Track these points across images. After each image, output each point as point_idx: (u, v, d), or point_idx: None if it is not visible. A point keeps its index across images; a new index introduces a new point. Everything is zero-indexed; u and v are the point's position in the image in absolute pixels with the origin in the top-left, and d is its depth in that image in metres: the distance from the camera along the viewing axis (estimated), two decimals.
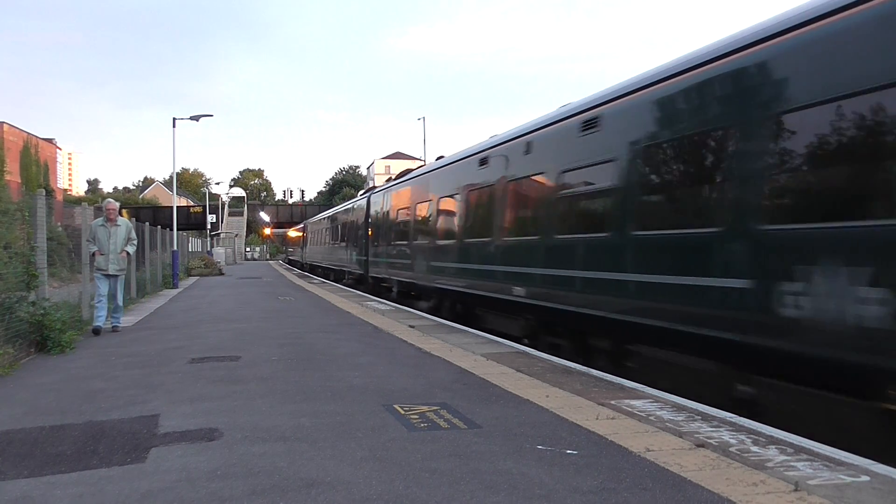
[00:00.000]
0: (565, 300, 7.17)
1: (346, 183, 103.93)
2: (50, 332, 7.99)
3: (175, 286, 21.42)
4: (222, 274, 30.76)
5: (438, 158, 13.89)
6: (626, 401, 5.21)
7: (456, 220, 10.90)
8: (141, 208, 61.19)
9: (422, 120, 45.22)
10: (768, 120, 4.64)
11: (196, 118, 24.24)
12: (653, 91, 5.96)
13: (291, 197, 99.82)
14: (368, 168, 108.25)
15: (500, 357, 7.32)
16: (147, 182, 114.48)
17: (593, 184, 6.88)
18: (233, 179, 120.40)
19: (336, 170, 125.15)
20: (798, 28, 4.52)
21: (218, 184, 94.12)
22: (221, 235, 59.02)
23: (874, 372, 3.81)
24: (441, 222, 11.76)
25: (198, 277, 28.17)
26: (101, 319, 9.77)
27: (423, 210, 12.94)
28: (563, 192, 7.40)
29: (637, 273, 5.99)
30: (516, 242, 8.53)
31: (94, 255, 9.91)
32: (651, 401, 5.25)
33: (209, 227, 52.60)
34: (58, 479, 3.60)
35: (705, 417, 4.73)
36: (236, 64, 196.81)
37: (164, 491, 3.37)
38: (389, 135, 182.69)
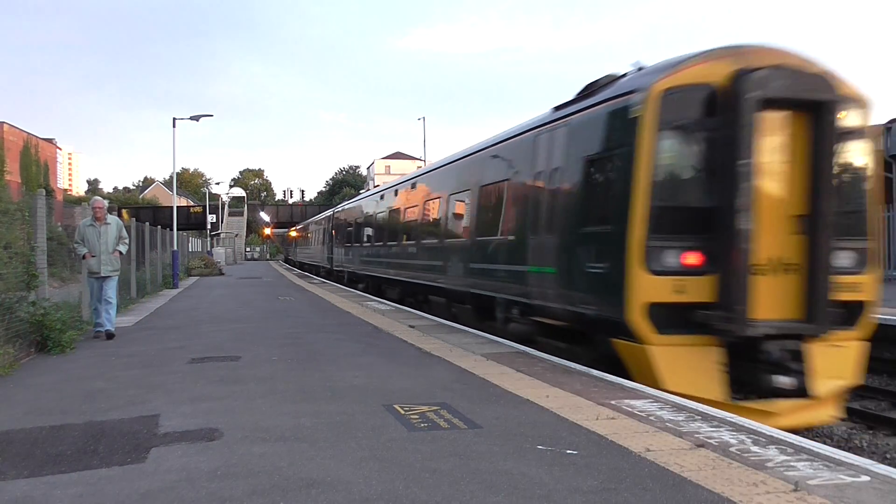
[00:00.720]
0: (418, 279, 13.09)
1: (347, 183, 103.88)
2: (50, 333, 7.98)
3: (175, 286, 21.41)
4: (222, 274, 30.75)
5: (367, 189, 24.97)
6: (626, 401, 5.21)
7: (368, 233, 18.36)
8: (141, 208, 61.18)
9: (422, 120, 45.16)
10: (509, 182, 9.04)
11: (196, 118, 24.23)
12: (463, 160, 11.27)
13: (291, 197, 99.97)
14: (369, 168, 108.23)
15: (499, 357, 7.31)
16: (147, 182, 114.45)
17: (428, 211, 12.58)
18: (233, 179, 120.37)
19: (336, 170, 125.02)
20: (507, 140, 9.24)
21: (218, 184, 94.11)
22: (221, 235, 58.98)
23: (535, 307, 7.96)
24: (363, 233, 19.08)
25: (198, 277, 28.16)
26: (108, 322, 9.26)
27: (355, 224, 20.40)
28: (410, 216, 13.69)
29: (442, 262, 11.51)
30: (396, 247, 14.72)
31: (84, 257, 9.31)
32: (651, 401, 5.25)
33: (209, 227, 52.58)
34: (58, 479, 3.60)
35: (705, 417, 4.73)
36: (237, 64, 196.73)
37: (164, 491, 3.36)
38: (390, 135, 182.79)
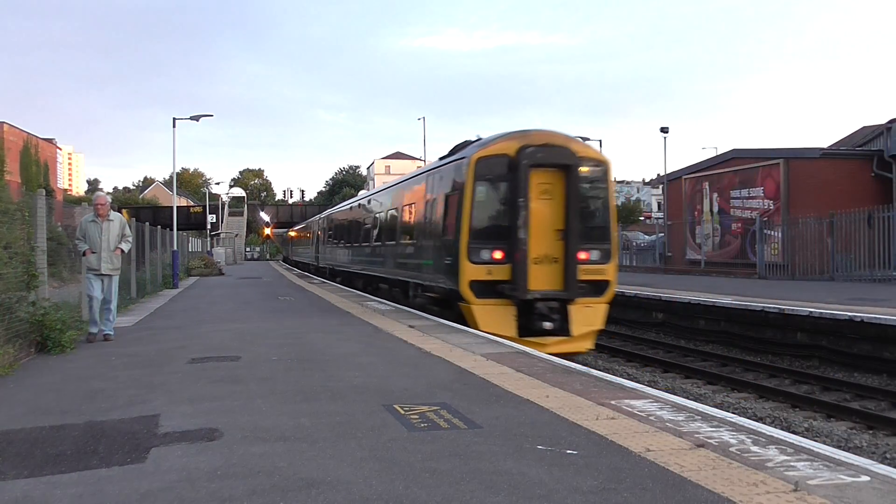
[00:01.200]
0: (370, 272, 17.13)
1: (347, 183, 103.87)
2: (50, 333, 7.98)
3: (175, 286, 21.41)
4: (222, 274, 30.75)
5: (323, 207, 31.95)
6: (626, 401, 5.21)
7: (340, 236, 23.18)
8: (141, 208, 61.20)
9: (422, 120, 45.14)
10: (377, 215, 16.86)
11: (196, 118, 24.24)
12: (393, 187, 16.15)
13: (291, 197, 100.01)
14: (368, 168, 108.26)
15: (500, 357, 7.31)
16: (147, 182, 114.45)
17: (366, 225, 17.95)
18: (233, 179, 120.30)
19: (336, 170, 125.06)
20: (415, 176, 13.82)
21: (218, 184, 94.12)
22: (221, 235, 59.01)
23: (425, 285, 11.69)
24: (338, 236, 23.88)
25: (198, 277, 28.16)
26: (95, 325, 9.00)
27: (333, 229, 25.53)
28: (365, 225, 18.42)
29: (372, 260, 16.89)
30: (357, 248, 19.26)
31: (84, 253, 9.04)
32: (651, 401, 5.25)
33: (209, 227, 52.60)
34: (58, 479, 3.60)
35: (705, 417, 4.73)
36: (237, 64, 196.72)
37: (163, 491, 3.36)
38: (389, 135, 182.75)
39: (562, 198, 10.04)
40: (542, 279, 9.94)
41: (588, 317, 10.22)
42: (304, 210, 72.62)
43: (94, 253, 8.98)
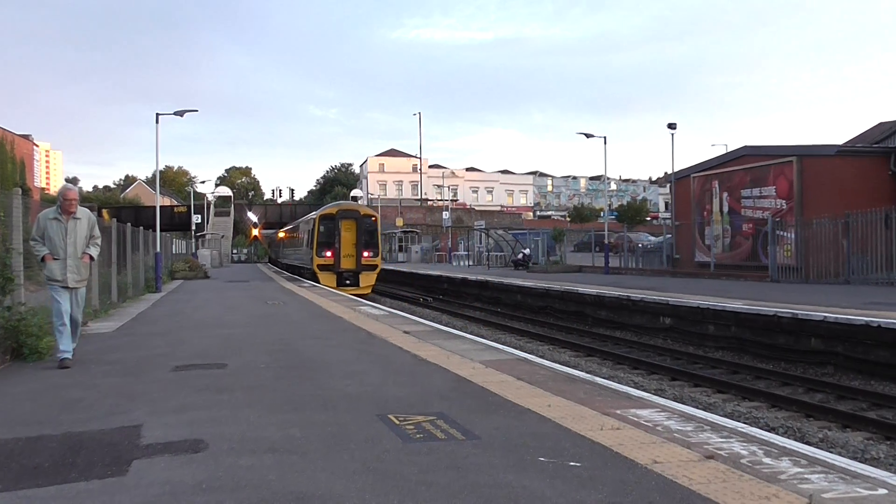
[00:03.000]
0: (293, 262, 36.39)
1: (339, 182, 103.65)
2: (26, 339, 7.94)
3: (158, 290, 21.39)
4: (207, 277, 30.72)
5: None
6: (632, 410, 5.22)
7: (284, 242, 45.70)
8: (122, 208, 61.08)
9: (417, 115, 45.25)
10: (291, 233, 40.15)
11: (180, 113, 24.21)
12: (290, 226, 43.53)
13: (280, 196, 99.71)
14: (361, 166, 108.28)
15: (500, 364, 7.32)
16: (129, 181, 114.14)
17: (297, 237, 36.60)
18: (219, 178, 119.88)
19: (327, 167, 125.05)
20: (301, 218, 38.38)
21: (203, 182, 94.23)
22: (207, 237, 58.86)
23: (303, 267, 30.35)
24: (280, 242, 47.56)
25: (182, 281, 28.12)
26: (67, 345, 7.62)
27: (286, 236, 44.83)
28: (288, 236, 43.63)
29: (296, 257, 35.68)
30: (289, 250, 40.55)
31: (44, 259, 7.49)
32: (658, 410, 5.26)
33: (194, 227, 52.49)
34: (34, 493, 3.59)
35: (715, 427, 4.74)
36: (223, 57, 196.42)
37: None
38: (384, 131, 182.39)
39: (356, 231, 25.87)
40: (347, 263, 25.81)
41: (368, 279, 26.08)
42: (293, 210, 72.44)
43: (56, 259, 7.50)
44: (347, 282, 25.73)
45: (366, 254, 26.17)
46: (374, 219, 27.28)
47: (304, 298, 17.97)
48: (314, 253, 26.60)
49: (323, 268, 26.17)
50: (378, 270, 26.97)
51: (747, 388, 10.51)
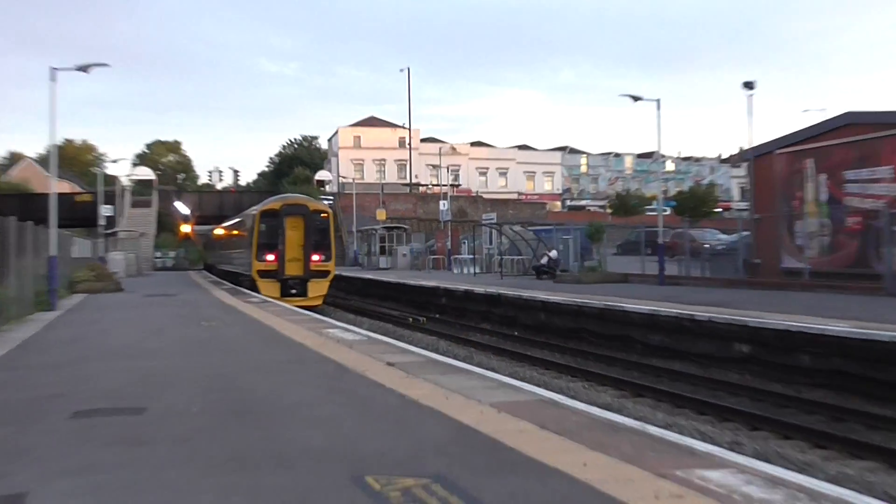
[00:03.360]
0: (232, 268, 40.19)
1: (300, 160, 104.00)
2: None
3: (53, 307, 21.38)
4: (121, 290, 30.76)
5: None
6: (698, 471, 5.20)
7: (220, 242, 52.19)
8: (5, 196, 61.20)
9: (405, 72, 45.28)
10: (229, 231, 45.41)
11: (84, 69, 24.19)
12: (230, 222, 47.38)
13: (221, 181, 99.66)
14: (331, 140, 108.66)
15: (517, 407, 7.30)
16: (14, 158, 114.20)
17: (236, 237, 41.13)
18: (138, 156, 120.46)
19: (284, 142, 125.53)
20: (240, 214, 43.55)
21: (116, 162, 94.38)
22: (121, 235, 59.04)
23: (242, 274, 33.29)
24: (218, 243, 53.32)
25: (86, 295, 28.15)
26: None
27: (218, 237, 53.49)
28: (226, 235, 48.76)
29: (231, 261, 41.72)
30: (227, 253, 45.12)
31: None
32: (734, 471, 5.23)
33: (103, 222, 52.58)
34: None
35: (813, 497, 4.71)
36: None
37: None
38: (361, 93, 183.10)
39: (304, 229, 28.87)
40: (293, 269, 28.65)
41: (318, 288, 29.16)
42: (238, 199, 72.69)
43: None
44: (293, 291, 28.42)
45: (316, 257, 29.02)
46: (325, 215, 30.26)
47: (252, 318, 17.97)
48: (253, 257, 29.05)
49: (264, 274, 28.76)
50: (331, 277, 30.10)
51: (857, 441, 10.48)
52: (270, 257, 28.58)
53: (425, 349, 14.54)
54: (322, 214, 30.12)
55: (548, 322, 22.49)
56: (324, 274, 29.42)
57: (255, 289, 29.21)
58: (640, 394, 13.96)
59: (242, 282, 33.71)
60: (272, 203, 30.89)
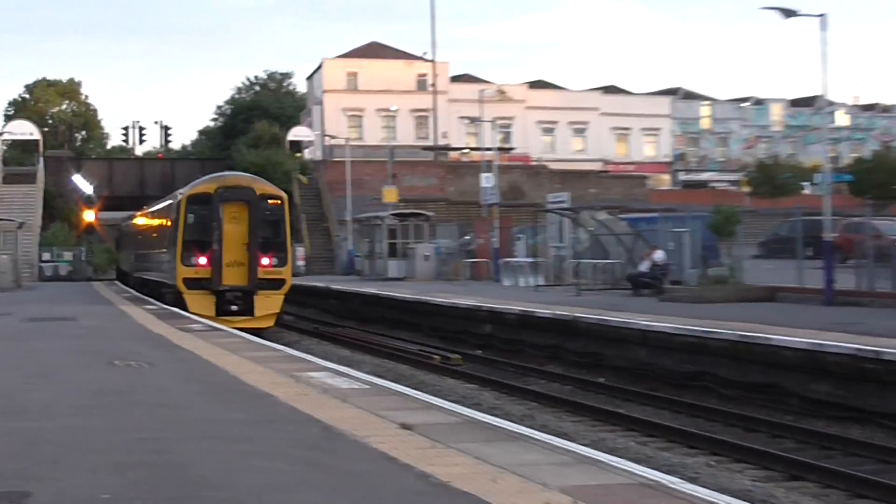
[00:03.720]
0: (147, 273, 48.04)
1: (264, 111, 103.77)
2: None
3: None
4: None
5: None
6: None
7: (139, 237, 56.45)
8: None
9: None
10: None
11: None
12: (150, 209, 51.55)
13: (142, 142, 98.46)
14: (311, 78, 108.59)
15: (604, 496, 7.32)
16: None
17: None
18: (12, 104, 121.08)
19: (240, 83, 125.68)
20: (161, 201, 47.87)
21: None
22: None
23: (165, 284, 37.76)
24: (136, 238, 57.37)
25: None
26: None
27: (136, 228, 58.42)
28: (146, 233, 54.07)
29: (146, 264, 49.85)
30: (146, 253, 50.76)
31: None
32: None
33: None
34: None
35: None
36: None
37: None
38: (357, 6, 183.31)
39: (247, 221, 32.13)
40: (232, 277, 31.67)
41: (268, 303, 32.26)
42: (168, 170, 73.18)
43: None
44: (233, 308, 31.19)
45: (265, 261, 31.90)
46: (277, 201, 33.60)
47: (193, 353, 18.07)
48: (178, 259, 31.87)
49: (192, 284, 31.51)
50: (287, 288, 33.03)
51: None
52: (201, 261, 31.14)
53: (460, 403, 14.57)
54: (273, 200, 33.03)
55: (651, 363, 22.40)
56: (277, 284, 31.95)
57: (180, 304, 31.24)
58: (798, 475, 13.87)
59: (165, 295, 35.75)
60: (203, 184, 34.03)
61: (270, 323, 31.66)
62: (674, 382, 21.15)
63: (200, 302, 30.08)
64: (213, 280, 30.47)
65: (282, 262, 31.78)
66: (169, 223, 36.15)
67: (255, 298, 30.82)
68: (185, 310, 30.05)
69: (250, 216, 31.02)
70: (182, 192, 34.53)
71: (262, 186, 34.10)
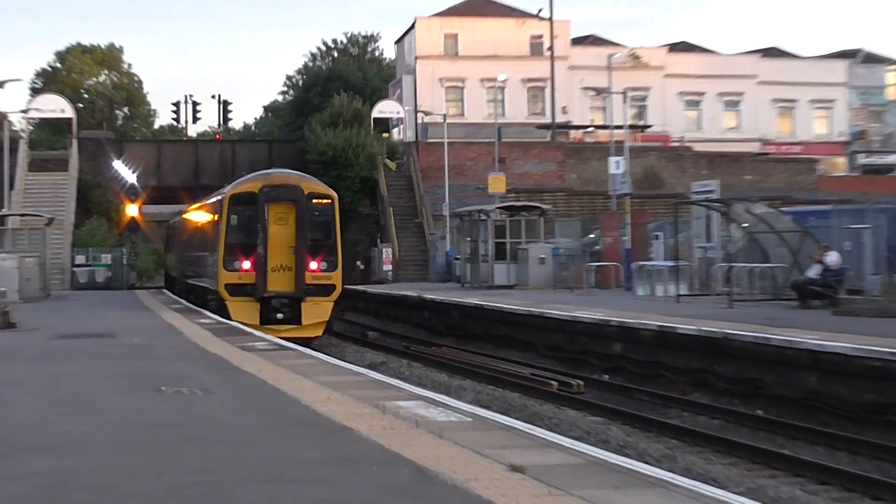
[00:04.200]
0: (194, 278, 55.20)
1: (341, 80, 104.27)
2: None
3: None
4: (12, 325, 31.26)
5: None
6: None
7: (188, 236, 63.65)
8: None
9: None
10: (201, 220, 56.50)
11: None
12: (192, 212, 59.81)
13: (196, 121, 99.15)
14: (400, 41, 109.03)
15: None
16: None
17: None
18: (40, 75, 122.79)
19: (314, 49, 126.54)
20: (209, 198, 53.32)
21: (2, 86, 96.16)
22: (9, 224, 60.22)
23: (209, 291, 44.95)
24: (185, 237, 63.92)
25: None
26: None
27: (187, 226, 63.93)
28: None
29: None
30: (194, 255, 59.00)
31: None
32: None
33: None
34: None
35: None
36: None
37: None
38: None
39: (295, 223, 37.28)
40: (278, 282, 36.65)
41: (316, 311, 36.96)
42: (227, 154, 73.94)
43: None
44: (279, 316, 35.37)
45: (314, 265, 36.16)
46: (328, 201, 38.12)
47: (258, 379, 18.18)
48: (220, 264, 35.92)
49: (235, 290, 35.70)
50: (336, 294, 37.61)
51: None
52: (245, 265, 35.13)
53: (583, 440, 14.54)
54: (323, 200, 37.20)
55: (823, 392, 22.14)
56: (326, 290, 35.98)
57: (223, 312, 34.48)
58: None
59: (210, 303, 39.89)
60: (247, 183, 37.91)
61: (319, 332, 35.13)
62: (852, 416, 20.86)
63: (244, 309, 33.34)
64: (257, 286, 34.03)
65: (331, 267, 35.28)
66: (213, 224, 40.17)
67: (302, 306, 34.36)
68: (228, 318, 32.77)
69: (298, 217, 34.67)
70: (225, 191, 38.29)
71: (311, 185, 37.95)
